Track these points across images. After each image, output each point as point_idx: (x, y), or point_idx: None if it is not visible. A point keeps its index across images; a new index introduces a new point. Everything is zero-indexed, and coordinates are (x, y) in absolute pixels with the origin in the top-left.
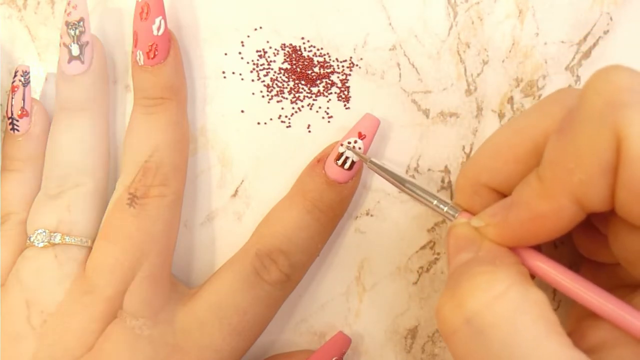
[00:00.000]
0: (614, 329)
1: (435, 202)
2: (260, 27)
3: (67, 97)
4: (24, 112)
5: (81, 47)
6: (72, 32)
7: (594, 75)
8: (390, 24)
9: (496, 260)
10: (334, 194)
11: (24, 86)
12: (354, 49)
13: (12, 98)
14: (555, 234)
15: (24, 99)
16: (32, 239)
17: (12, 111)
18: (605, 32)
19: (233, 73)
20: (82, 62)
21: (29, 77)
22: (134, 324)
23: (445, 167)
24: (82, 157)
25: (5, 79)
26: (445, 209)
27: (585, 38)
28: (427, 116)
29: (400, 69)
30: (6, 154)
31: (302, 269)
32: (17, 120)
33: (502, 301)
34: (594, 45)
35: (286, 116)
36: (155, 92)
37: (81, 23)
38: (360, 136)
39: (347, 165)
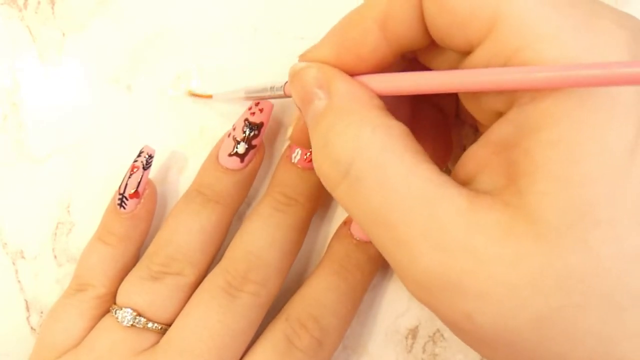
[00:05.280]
0: (480, 158)
1: (276, 87)
2: (260, 28)
3: (210, 184)
4: (136, 194)
5: (247, 149)
6: (247, 132)
7: None
8: None
9: (352, 103)
10: (360, 253)
11: (143, 169)
12: None
13: (129, 177)
14: (370, 63)
15: (139, 182)
16: (117, 314)
17: (125, 189)
18: None
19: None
20: (241, 162)
21: (152, 161)
22: None
23: None
24: (196, 248)
25: (6, 80)
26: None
27: None
28: None
29: None
30: (105, 224)
31: (334, 335)
32: (127, 199)
33: (370, 145)
34: None
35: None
36: (294, 193)
37: (259, 127)
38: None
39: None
